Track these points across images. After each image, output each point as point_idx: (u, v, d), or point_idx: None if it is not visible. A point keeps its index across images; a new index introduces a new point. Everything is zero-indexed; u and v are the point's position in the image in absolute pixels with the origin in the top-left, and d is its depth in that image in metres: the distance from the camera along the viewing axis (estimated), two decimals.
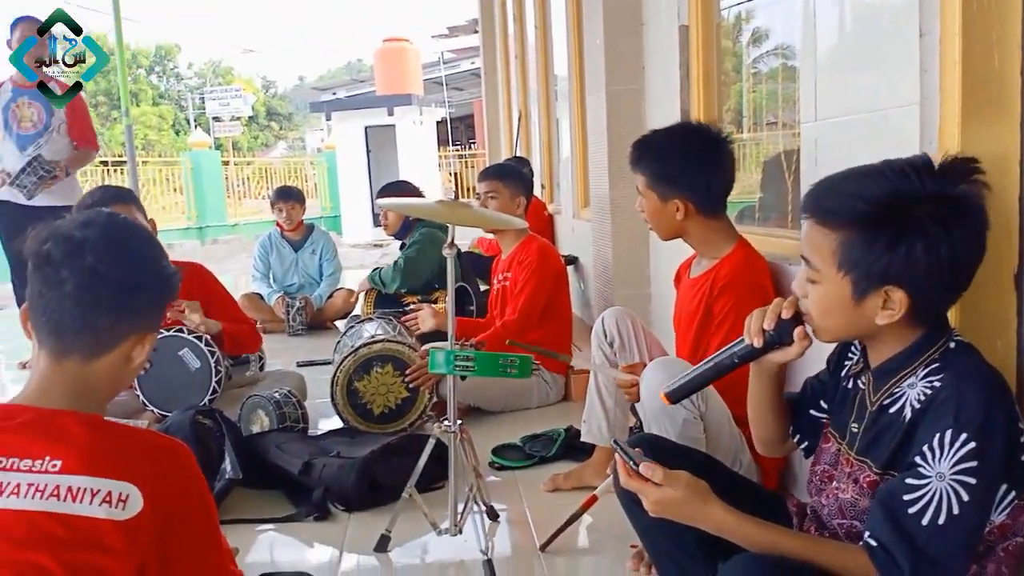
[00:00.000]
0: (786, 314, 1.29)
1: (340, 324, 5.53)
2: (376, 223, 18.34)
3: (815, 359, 1.45)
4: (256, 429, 2.83)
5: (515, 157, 6.23)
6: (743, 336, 1.33)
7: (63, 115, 4.47)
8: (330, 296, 5.49)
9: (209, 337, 2.86)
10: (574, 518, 2.10)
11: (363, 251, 14.60)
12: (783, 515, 1.51)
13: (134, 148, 9.02)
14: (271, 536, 2.29)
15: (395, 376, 3.02)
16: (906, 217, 1.16)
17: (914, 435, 1.18)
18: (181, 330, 2.85)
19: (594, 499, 2.10)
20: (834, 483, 1.35)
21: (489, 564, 1.96)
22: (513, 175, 3.44)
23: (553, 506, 2.36)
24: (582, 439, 2.49)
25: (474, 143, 23.74)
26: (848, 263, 1.19)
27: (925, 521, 1.11)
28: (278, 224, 5.55)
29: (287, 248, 5.55)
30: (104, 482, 1.08)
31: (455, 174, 19.71)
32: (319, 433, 2.92)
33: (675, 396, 1.40)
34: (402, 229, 4.61)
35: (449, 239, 2.03)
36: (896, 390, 1.24)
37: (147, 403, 2.89)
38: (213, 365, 2.84)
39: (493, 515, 2.26)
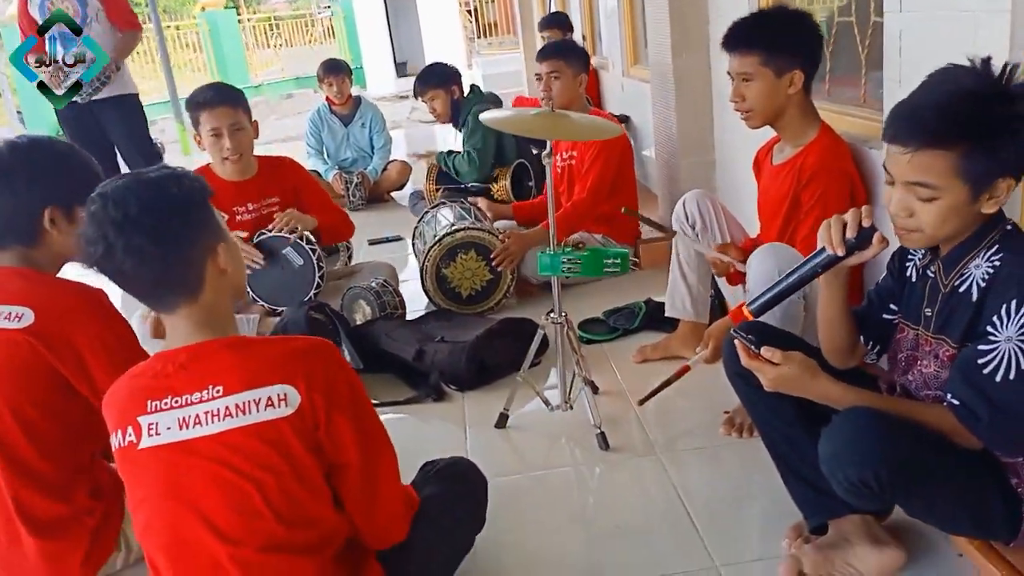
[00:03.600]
0: (867, 223, 1.42)
1: (396, 196, 5.72)
2: (400, 73, 18.03)
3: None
4: (359, 318, 3.09)
5: (555, 13, 6.08)
6: (821, 247, 1.47)
7: (97, 1, 4.36)
8: (384, 169, 5.63)
9: (308, 235, 3.07)
10: (668, 383, 2.32)
11: (391, 104, 14.42)
12: (875, 390, 1.74)
13: (158, 12, 8.96)
14: (399, 418, 2.59)
15: (478, 261, 3.23)
16: (1010, 113, 1.29)
17: (983, 309, 1.38)
18: (282, 230, 3.06)
19: (687, 369, 2.33)
20: (918, 363, 1.56)
21: (602, 436, 2.25)
22: (574, 52, 3.46)
23: (645, 375, 2.62)
24: (666, 314, 2.71)
25: None
26: (973, 172, 1.32)
27: (998, 378, 1.32)
28: (327, 99, 5.59)
29: (337, 123, 5.62)
30: (260, 391, 1.31)
31: (472, 10, 19.02)
32: (418, 317, 3.18)
33: (758, 311, 1.53)
34: (453, 114, 4.53)
35: (548, 149, 2.16)
36: (964, 271, 1.43)
37: (256, 298, 3.15)
38: (315, 261, 3.07)
39: (594, 389, 2.53)
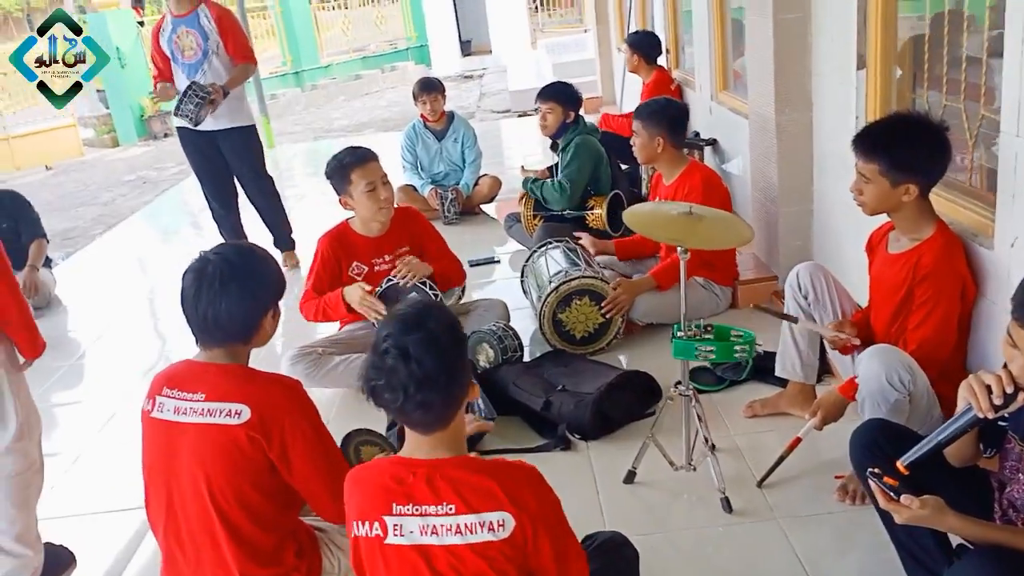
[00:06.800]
0: (1009, 390, 1.59)
1: (487, 208, 5.99)
2: (464, 52, 18.20)
3: None
4: (482, 360, 3.38)
5: (644, 32, 6.19)
6: (967, 406, 1.64)
7: (217, 36, 4.68)
8: (476, 183, 5.90)
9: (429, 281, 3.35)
10: (783, 458, 2.59)
11: (456, 86, 14.63)
12: (987, 486, 1.96)
13: None
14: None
15: (591, 306, 3.50)
16: None
17: None
18: (404, 277, 3.34)
19: (798, 441, 2.57)
20: (1020, 475, 1.77)
21: (727, 500, 2.50)
22: (649, 118, 3.59)
23: (757, 433, 2.88)
24: (776, 374, 2.94)
25: None
26: None
27: None
28: (421, 115, 5.85)
29: (431, 138, 5.89)
30: (484, 516, 1.55)
31: None
32: (535, 360, 3.46)
33: (913, 466, 1.72)
34: (559, 131, 4.69)
35: (683, 250, 2.39)
36: None
37: None
38: None
39: (713, 447, 2.77)
